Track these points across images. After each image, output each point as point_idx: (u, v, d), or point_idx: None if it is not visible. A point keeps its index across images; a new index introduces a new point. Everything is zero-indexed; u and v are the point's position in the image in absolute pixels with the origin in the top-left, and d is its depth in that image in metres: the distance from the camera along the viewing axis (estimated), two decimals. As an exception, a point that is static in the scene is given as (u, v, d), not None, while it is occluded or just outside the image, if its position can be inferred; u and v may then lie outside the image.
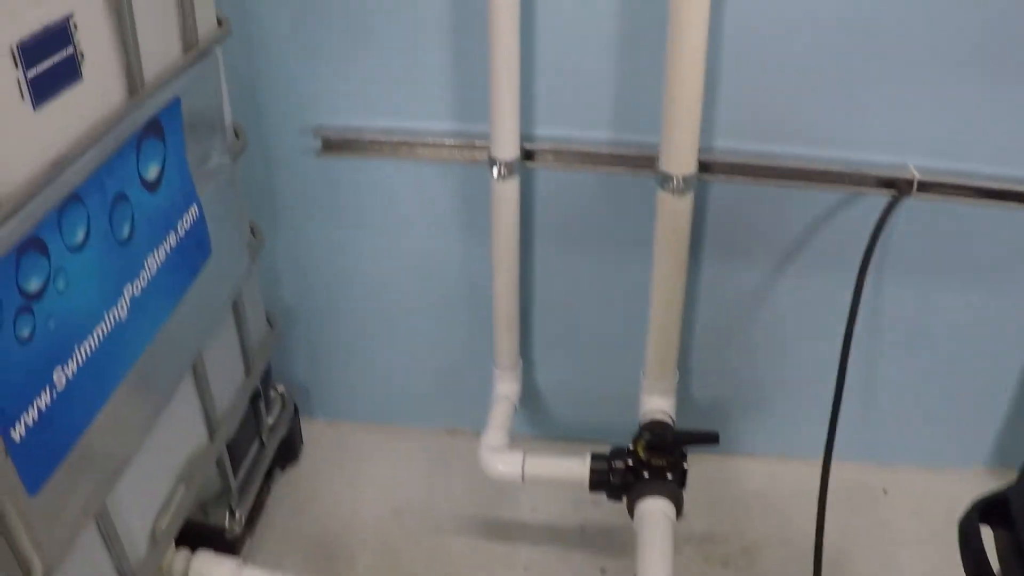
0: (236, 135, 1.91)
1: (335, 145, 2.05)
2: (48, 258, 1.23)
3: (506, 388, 2.27)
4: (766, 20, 1.83)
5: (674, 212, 1.91)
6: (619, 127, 1.99)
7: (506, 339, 2.20)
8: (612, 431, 2.24)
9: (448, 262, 2.23)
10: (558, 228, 2.14)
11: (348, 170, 2.10)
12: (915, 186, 1.92)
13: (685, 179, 1.86)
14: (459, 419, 2.51)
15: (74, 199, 1.27)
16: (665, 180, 1.87)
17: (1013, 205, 1.94)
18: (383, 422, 2.54)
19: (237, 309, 1.95)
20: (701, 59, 1.74)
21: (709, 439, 1.96)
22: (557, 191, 2.08)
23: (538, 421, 2.47)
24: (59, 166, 1.24)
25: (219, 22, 1.78)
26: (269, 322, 2.19)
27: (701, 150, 1.89)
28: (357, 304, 2.33)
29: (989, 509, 1.22)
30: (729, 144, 1.98)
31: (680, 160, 1.86)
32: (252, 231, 2.03)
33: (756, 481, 2.38)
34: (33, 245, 1.20)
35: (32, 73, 1.19)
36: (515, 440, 2.16)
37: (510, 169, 1.95)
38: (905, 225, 2.03)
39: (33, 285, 1.21)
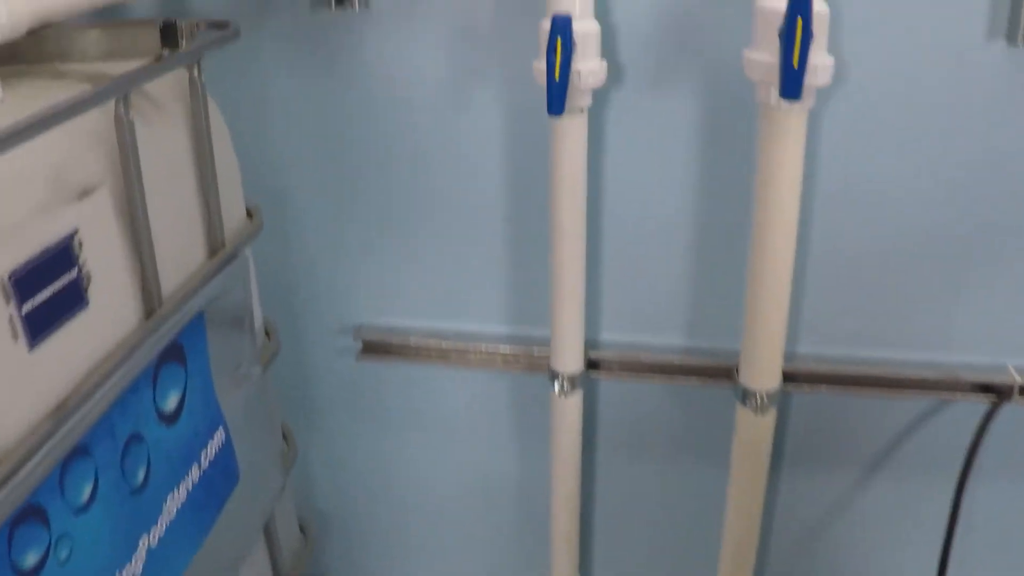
0: (267, 335, 1.71)
1: (377, 347, 1.88)
2: (48, 526, 1.03)
3: (562, 613, 2.05)
4: (854, 221, 1.69)
5: (755, 429, 1.73)
6: (693, 334, 1.82)
7: (564, 559, 1.99)
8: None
9: (501, 471, 2.04)
10: (624, 438, 1.96)
11: (391, 373, 1.94)
12: (1016, 390, 1.72)
13: (768, 395, 1.69)
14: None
15: (79, 452, 1.07)
16: (746, 396, 1.70)
17: None
18: (424, 630, 2.32)
19: (269, 528, 1.72)
20: (788, 270, 1.59)
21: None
22: (624, 401, 1.91)
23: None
24: (60, 416, 1.03)
25: (249, 214, 1.60)
26: (302, 529, 1.97)
27: (784, 359, 1.72)
28: (399, 509, 2.14)
29: None
30: (813, 350, 1.81)
31: (763, 375, 1.69)
32: (284, 436, 1.82)
33: None
34: (30, 514, 0.99)
35: (27, 307, 1.00)
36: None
37: (573, 383, 1.78)
38: (1003, 428, 1.81)
39: (30, 560, 1.01)
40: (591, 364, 1.82)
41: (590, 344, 1.82)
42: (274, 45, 1.73)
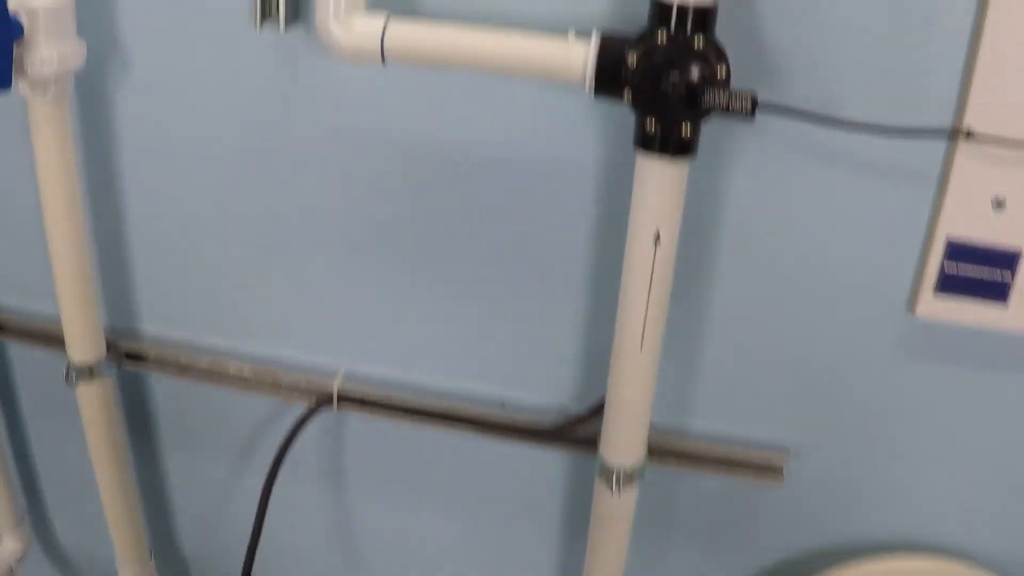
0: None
1: None
2: None
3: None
4: (140, 211, 1.68)
5: (90, 403, 1.74)
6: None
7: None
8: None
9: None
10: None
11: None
12: (335, 398, 1.66)
13: (91, 368, 1.70)
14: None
15: None
16: (72, 370, 1.70)
17: (460, 428, 1.66)
18: None
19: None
20: (81, 249, 1.60)
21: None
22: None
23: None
24: None
25: None
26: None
27: (121, 334, 1.75)
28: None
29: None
30: (158, 330, 1.76)
31: (81, 347, 1.68)
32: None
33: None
34: None
35: None
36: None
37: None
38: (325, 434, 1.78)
39: None
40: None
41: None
42: None
